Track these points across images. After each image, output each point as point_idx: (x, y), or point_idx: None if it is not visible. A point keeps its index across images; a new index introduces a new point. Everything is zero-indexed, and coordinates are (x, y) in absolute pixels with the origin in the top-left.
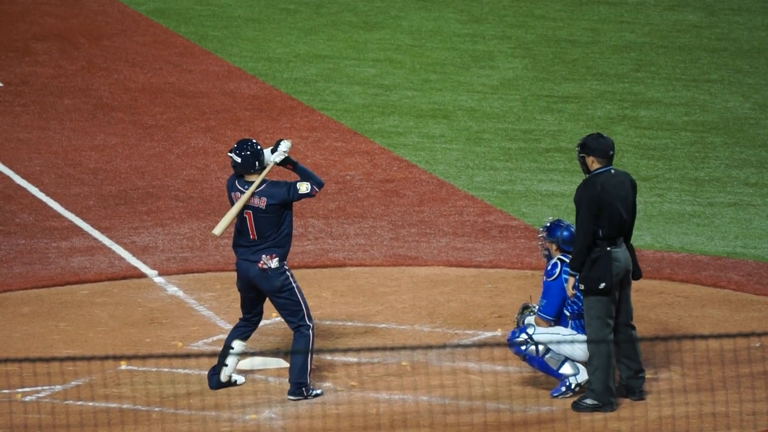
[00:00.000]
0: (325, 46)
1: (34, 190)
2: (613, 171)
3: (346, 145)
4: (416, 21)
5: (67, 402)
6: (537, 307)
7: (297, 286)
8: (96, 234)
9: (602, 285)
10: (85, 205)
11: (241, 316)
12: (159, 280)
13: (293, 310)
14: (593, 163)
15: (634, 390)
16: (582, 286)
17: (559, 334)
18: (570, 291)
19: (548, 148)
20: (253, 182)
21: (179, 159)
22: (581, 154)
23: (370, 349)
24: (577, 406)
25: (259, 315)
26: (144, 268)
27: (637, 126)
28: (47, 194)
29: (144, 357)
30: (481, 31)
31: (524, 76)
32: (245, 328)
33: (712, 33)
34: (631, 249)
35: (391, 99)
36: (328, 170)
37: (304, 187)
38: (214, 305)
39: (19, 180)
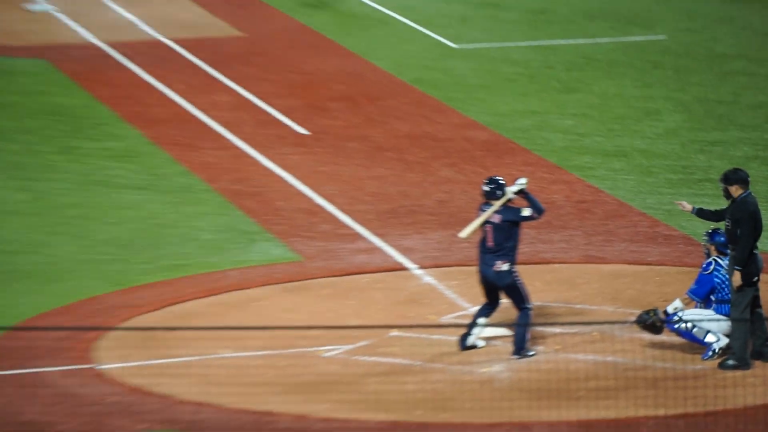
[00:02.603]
0: (536, 104)
1: (330, 208)
2: (752, 194)
3: (552, 176)
4: (603, 87)
5: (354, 357)
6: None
7: (522, 282)
8: (374, 239)
9: (755, 278)
10: (366, 218)
11: (484, 301)
12: (418, 272)
13: (520, 298)
14: (737, 190)
15: (764, 355)
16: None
17: (701, 314)
18: (738, 282)
19: (700, 179)
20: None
21: (432, 186)
22: (725, 185)
23: (570, 324)
24: (722, 366)
25: (497, 301)
26: (408, 263)
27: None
28: (340, 210)
29: (409, 326)
30: (651, 93)
31: (683, 127)
32: (488, 309)
33: None
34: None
35: (584, 143)
36: (539, 194)
37: (527, 212)
38: (458, 290)
39: (319, 200)
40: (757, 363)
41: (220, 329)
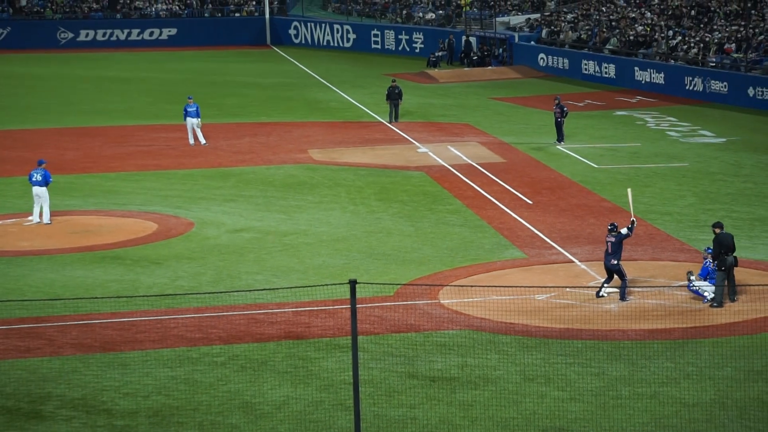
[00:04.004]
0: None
1: (540, 234)
2: (723, 232)
3: (640, 223)
4: (663, 185)
5: (550, 300)
6: (695, 274)
7: (622, 267)
8: (559, 248)
9: (723, 268)
10: (556, 239)
11: (606, 277)
12: (579, 263)
13: (621, 275)
14: (717, 230)
15: (732, 301)
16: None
17: (703, 284)
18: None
19: (703, 226)
20: (617, 232)
21: (586, 226)
22: (713, 228)
23: (645, 286)
24: (711, 306)
25: (612, 276)
26: (574, 259)
27: None
28: (544, 236)
29: (573, 286)
30: (681, 189)
31: (695, 203)
32: (608, 280)
33: None
34: (735, 257)
35: (653, 209)
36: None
37: (625, 231)
38: (596, 271)
39: (536, 231)
40: (728, 305)
41: (485, 286)
